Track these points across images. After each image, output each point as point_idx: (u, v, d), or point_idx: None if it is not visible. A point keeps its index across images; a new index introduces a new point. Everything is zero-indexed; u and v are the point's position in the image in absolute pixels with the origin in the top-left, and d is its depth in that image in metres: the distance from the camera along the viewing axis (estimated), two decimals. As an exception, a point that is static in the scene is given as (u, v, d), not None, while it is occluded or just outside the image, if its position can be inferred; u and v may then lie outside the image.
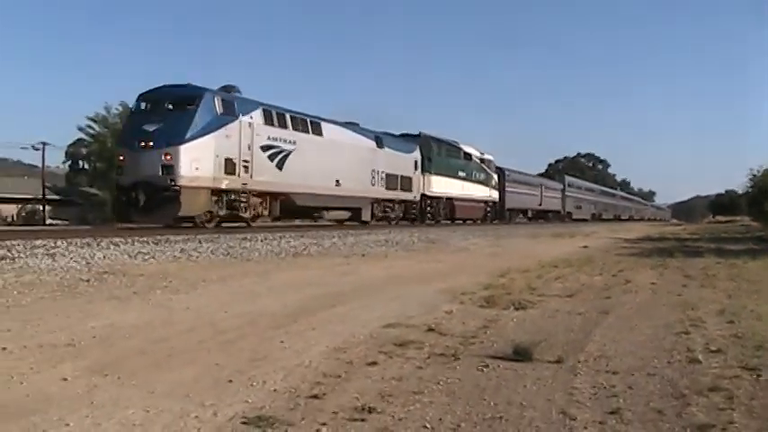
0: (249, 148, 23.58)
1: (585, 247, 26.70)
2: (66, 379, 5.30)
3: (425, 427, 4.50)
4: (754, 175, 50.60)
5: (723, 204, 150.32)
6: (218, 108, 22.43)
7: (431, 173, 39.79)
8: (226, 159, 22.43)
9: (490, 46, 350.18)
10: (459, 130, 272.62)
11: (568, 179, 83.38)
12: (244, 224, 24.74)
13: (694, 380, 5.77)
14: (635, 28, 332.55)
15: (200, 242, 16.64)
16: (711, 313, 9.29)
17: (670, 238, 38.76)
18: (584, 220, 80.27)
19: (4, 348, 6.09)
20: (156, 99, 22.66)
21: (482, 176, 48.50)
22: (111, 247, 14.32)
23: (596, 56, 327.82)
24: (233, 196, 23.44)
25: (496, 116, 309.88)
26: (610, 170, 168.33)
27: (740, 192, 75.04)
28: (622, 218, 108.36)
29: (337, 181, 29.18)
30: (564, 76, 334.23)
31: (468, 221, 47.06)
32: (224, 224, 24.06)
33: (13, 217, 55.89)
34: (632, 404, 5.07)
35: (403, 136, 39.44)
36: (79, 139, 62.02)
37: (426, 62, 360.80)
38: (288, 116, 26.37)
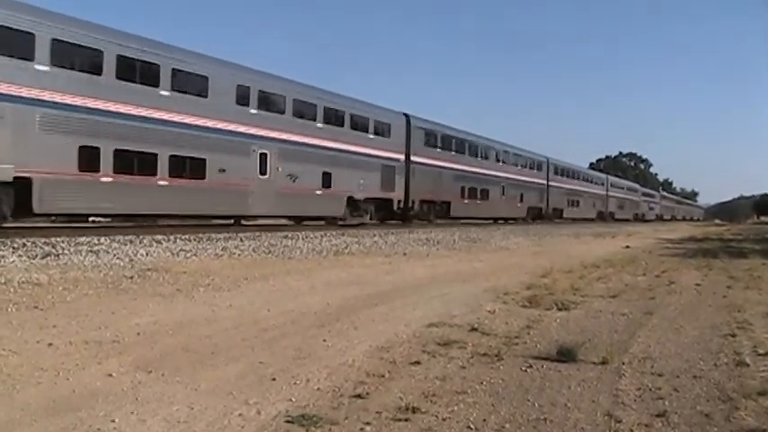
0: None
1: (628, 247, 26.45)
2: (111, 375, 5.36)
3: (469, 427, 4.47)
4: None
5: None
6: None
7: None
8: None
9: (535, 47, 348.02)
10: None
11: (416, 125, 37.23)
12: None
13: (742, 383, 5.68)
14: (683, 24, 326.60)
15: (241, 240, 16.81)
16: (758, 315, 9.16)
17: (714, 239, 38.28)
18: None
19: (51, 344, 6.17)
20: None
21: None
22: (154, 244, 14.52)
23: (643, 53, 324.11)
24: None
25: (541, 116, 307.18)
26: (652, 170, 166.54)
27: (786, 192, 73.83)
28: (588, 216, 70.60)
29: None
30: (609, 73, 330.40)
31: None
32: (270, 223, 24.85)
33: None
34: (679, 407, 5.00)
35: None
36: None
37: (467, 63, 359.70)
38: None
